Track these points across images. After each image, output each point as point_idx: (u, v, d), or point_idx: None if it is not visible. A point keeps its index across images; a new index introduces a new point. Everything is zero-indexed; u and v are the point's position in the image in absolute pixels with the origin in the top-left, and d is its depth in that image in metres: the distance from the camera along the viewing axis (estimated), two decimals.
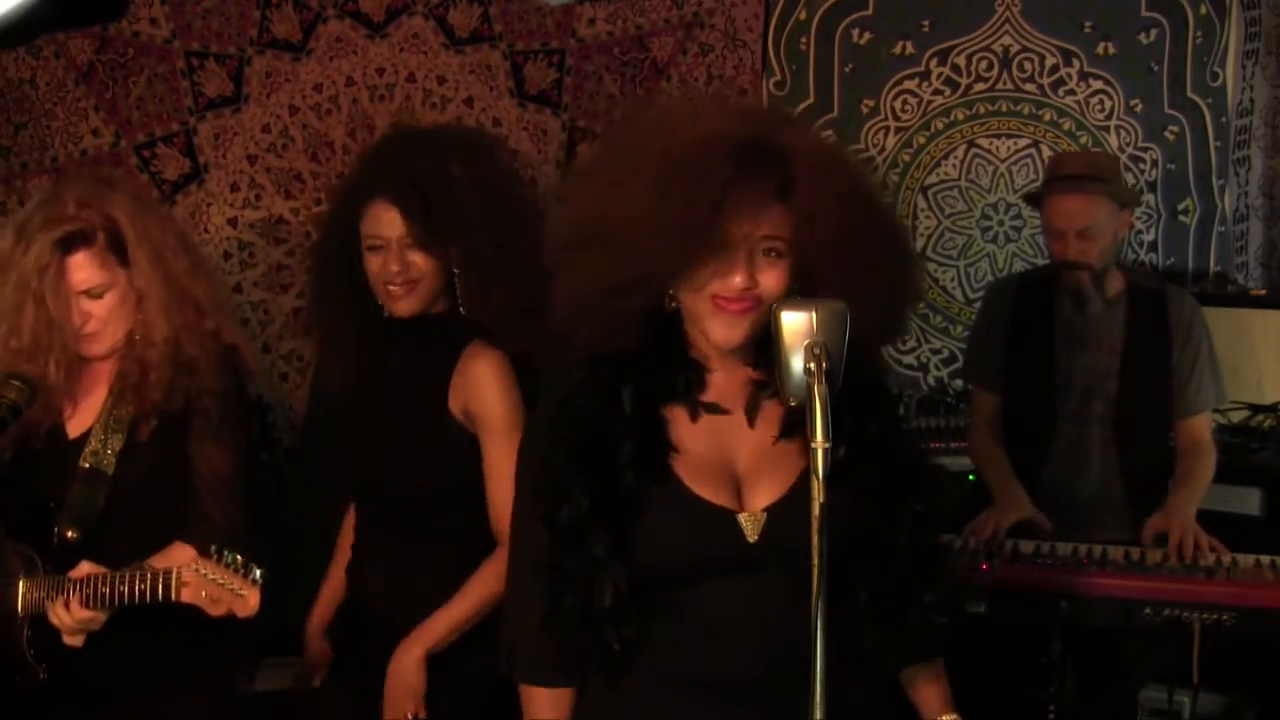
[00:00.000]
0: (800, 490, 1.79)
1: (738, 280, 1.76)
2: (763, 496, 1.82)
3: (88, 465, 2.50)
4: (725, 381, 1.87)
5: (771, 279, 1.78)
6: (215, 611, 2.24)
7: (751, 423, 1.85)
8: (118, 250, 2.49)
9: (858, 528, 1.81)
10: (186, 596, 2.25)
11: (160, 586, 2.27)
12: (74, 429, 2.54)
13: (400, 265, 2.51)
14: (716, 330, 1.80)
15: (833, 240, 1.76)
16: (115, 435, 2.51)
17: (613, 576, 1.79)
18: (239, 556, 2.25)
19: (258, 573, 2.25)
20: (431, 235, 2.51)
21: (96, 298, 2.48)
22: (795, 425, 1.80)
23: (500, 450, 2.51)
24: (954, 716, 1.96)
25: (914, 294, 1.93)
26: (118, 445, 2.50)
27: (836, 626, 1.76)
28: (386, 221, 2.52)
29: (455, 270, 2.56)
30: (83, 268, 2.46)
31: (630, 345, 1.84)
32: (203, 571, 2.24)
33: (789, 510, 1.78)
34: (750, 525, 1.81)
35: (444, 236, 2.52)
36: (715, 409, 1.86)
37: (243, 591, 2.24)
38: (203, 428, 2.51)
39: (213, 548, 2.27)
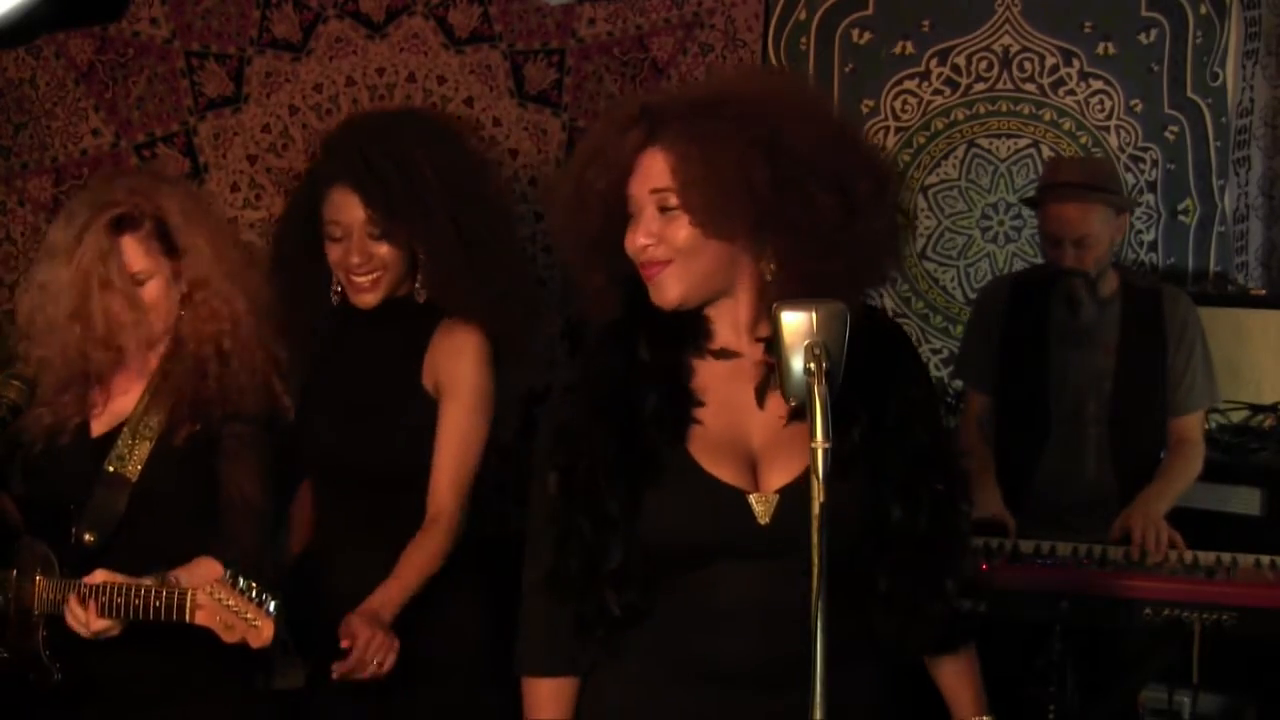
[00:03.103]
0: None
1: (638, 240, 1.79)
2: (777, 477, 1.80)
3: (111, 469, 2.47)
4: (730, 330, 1.85)
5: (671, 233, 1.78)
6: (229, 639, 2.23)
7: (761, 404, 1.84)
8: (164, 239, 2.46)
9: (874, 511, 1.80)
10: (201, 619, 2.24)
11: (175, 607, 2.25)
12: (98, 426, 2.52)
13: (362, 256, 2.50)
14: (652, 295, 1.82)
15: (705, 179, 1.74)
16: (143, 441, 2.49)
17: (623, 537, 1.78)
18: (254, 584, 2.24)
19: (272, 604, 2.23)
20: (392, 223, 2.49)
21: (139, 285, 2.46)
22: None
23: (457, 418, 2.51)
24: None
25: (875, 235, 1.80)
26: (144, 452, 2.49)
27: (850, 614, 1.76)
28: (347, 207, 2.50)
29: (420, 257, 2.53)
30: (126, 251, 2.44)
31: (627, 306, 1.86)
32: (218, 596, 2.23)
33: (803, 493, 1.71)
34: (762, 507, 1.79)
35: (405, 224, 2.50)
36: (725, 354, 1.85)
37: (257, 622, 2.22)
38: (234, 450, 2.48)
39: (227, 572, 2.26)
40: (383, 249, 2.51)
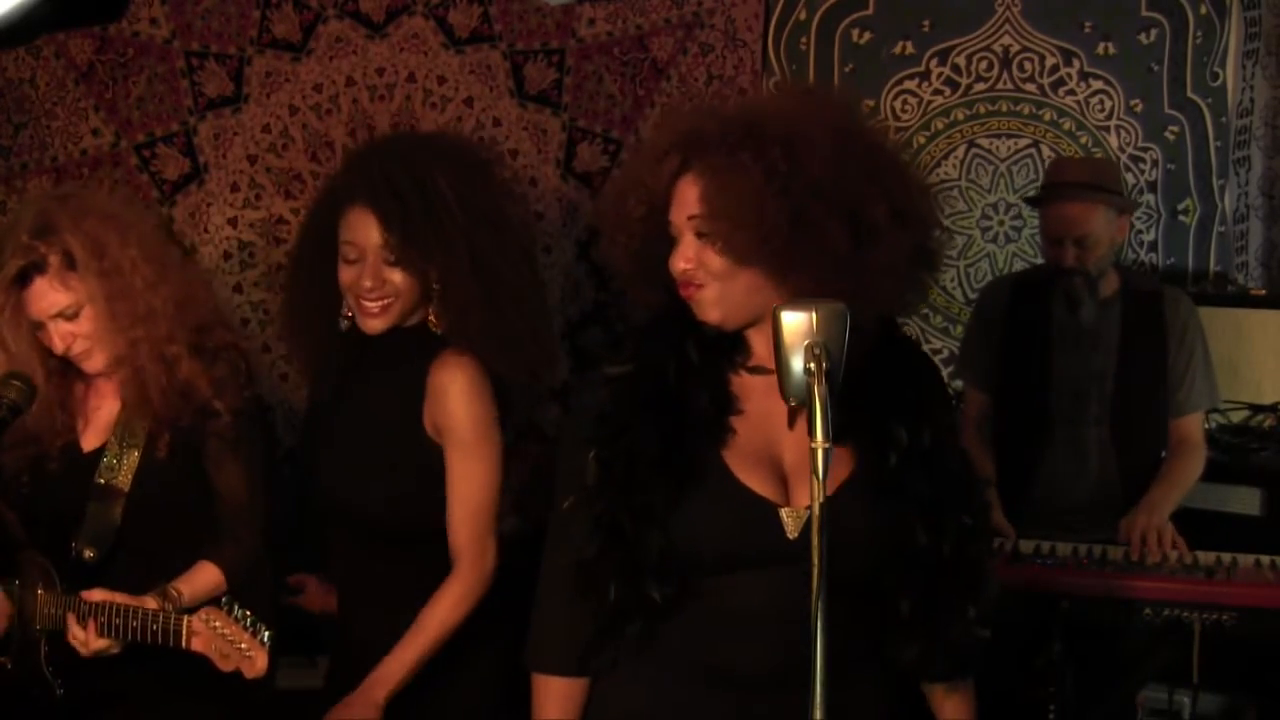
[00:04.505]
0: (847, 491, 1.78)
1: (678, 265, 1.82)
2: (808, 493, 1.77)
3: (103, 481, 2.48)
4: (768, 349, 1.84)
5: (707, 258, 1.81)
6: (225, 667, 2.24)
7: (791, 423, 1.85)
8: (77, 268, 2.44)
9: (901, 534, 1.81)
10: (197, 646, 2.25)
11: (171, 634, 2.26)
12: (88, 443, 2.54)
13: (374, 281, 2.39)
14: (695, 312, 1.84)
15: (725, 211, 1.77)
16: (130, 450, 2.50)
17: (660, 532, 1.78)
18: (248, 612, 2.24)
19: (266, 634, 2.23)
20: (409, 249, 2.39)
21: (72, 318, 2.45)
22: (842, 428, 1.70)
23: (462, 461, 2.41)
24: None
25: (892, 271, 1.80)
26: (133, 461, 2.49)
27: (865, 632, 1.79)
28: (364, 228, 2.39)
29: (435, 287, 2.44)
30: (44, 295, 2.43)
31: (677, 312, 1.87)
32: (214, 624, 2.23)
33: (833, 510, 1.71)
34: (791, 521, 1.80)
35: (422, 252, 2.40)
36: (762, 371, 1.86)
37: (251, 653, 2.23)
38: (218, 449, 2.50)
39: (223, 599, 2.27)
40: (396, 275, 2.40)
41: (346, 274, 2.43)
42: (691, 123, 1.84)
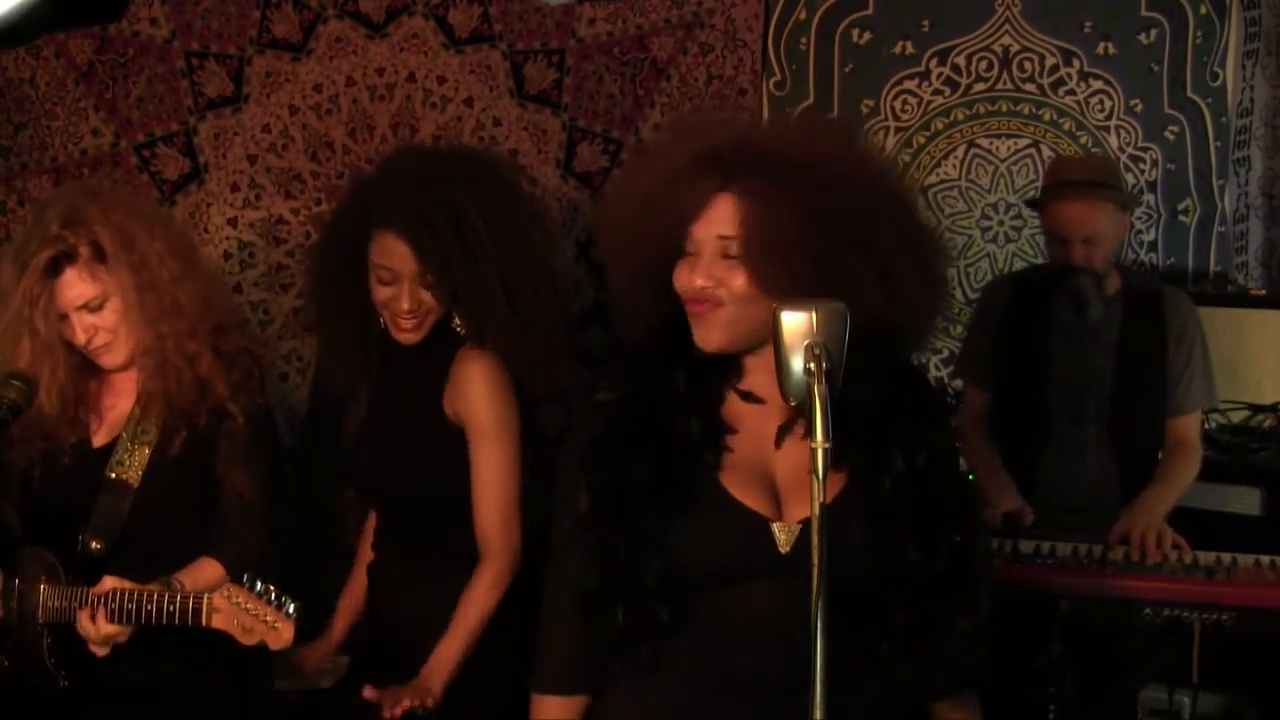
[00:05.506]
0: (839, 506, 1.78)
1: (696, 281, 1.79)
2: (800, 508, 1.81)
3: (113, 476, 2.50)
4: (764, 375, 1.84)
5: (730, 279, 1.79)
6: (248, 641, 2.25)
7: (778, 444, 1.85)
8: (106, 260, 2.47)
9: (894, 554, 1.81)
10: (218, 623, 2.26)
11: (190, 611, 2.27)
12: (99, 439, 2.55)
13: (412, 303, 2.56)
14: (694, 333, 1.83)
15: (763, 240, 1.75)
16: (141, 447, 2.51)
17: (656, 554, 1.79)
18: (271, 587, 2.25)
19: (291, 606, 2.26)
20: (444, 280, 2.55)
21: (96, 310, 2.47)
22: (837, 452, 1.69)
23: (484, 452, 2.58)
24: None
25: (915, 305, 1.82)
26: (143, 457, 2.51)
27: (861, 644, 1.79)
28: (399, 256, 2.54)
29: (461, 301, 2.60)
30: (72, 285, 2.45)
31: (668, 335, 1.86)
32: (236, 600, 2.24)
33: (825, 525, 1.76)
34: (784, 536, 1.81)
35: (457, 283, 2.57)
36: (750, 397, 1.86)
37: (277, 625, 2.24)
38: (230, 451, 2.52)
39: (245, 576, 2.27)
40: (431, 296, 2.57)
41: (382, 293, 2.58)
42: (726, 138, 1.83)
